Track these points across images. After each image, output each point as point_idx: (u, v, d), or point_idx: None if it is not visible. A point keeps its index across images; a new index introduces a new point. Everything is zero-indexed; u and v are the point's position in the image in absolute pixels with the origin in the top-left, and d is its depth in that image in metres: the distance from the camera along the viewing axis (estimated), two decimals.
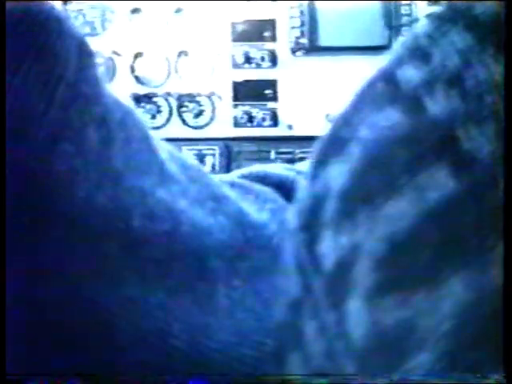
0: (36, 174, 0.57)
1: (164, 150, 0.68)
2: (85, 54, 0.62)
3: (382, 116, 0.35)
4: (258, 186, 0.76)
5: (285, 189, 0.76)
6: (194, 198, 0.67)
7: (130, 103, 0.69)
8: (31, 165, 0.57)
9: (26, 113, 0.56)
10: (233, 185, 0.75)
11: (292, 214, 0.40)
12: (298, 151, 2.63)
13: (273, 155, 2.68)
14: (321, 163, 0.38)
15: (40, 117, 0.56)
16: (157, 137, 0.70)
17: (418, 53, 0.36)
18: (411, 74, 0.35)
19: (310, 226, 0.38)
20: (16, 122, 0.55)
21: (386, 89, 0.36)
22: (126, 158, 0.61)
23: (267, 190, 0.75)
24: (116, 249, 0.61)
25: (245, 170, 0.96)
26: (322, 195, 0.37)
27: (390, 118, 0.35)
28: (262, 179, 0.78)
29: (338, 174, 0.36)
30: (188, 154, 2.74)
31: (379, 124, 0.35)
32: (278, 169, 0.90)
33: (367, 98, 0.37)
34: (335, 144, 0.38)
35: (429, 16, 0.37)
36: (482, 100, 0.32)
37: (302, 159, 2.59)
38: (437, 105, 0.33)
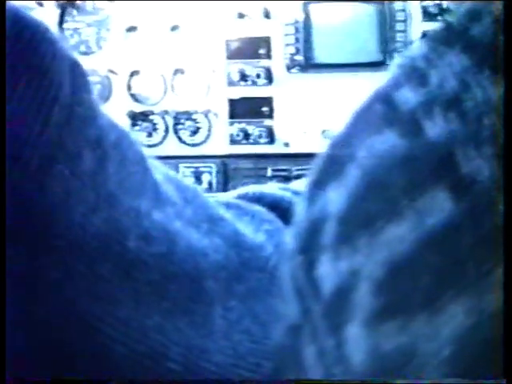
0: (31, 196, 0.57)
1: (159, 171, 0.68)
2: (79, 75, 0.62)
3: (379, 139, 0.35)
4: (253, 207, 0.75)
5: (281, 209, 0.76)
6: (190, 220, 0.67)
7: (124, 124, 0.68)
8: (26, 187, 0.57)
9: (20, 135, 0.56)
10: (228, 205, 0.74)
11: (289, 237, 0.40)
12: (294, 168, 2.63)
13: (269, 172, 2.68)
14: (318, 185, 0.38)
15: (35, 139, 0.56)
16: (152, 157, 0.69)
17: (415, 75, 0.36)
18: (408, 97, 0.35)
19: (308, 249, 0.38)
20: (10, 144, 0.55)
21: (383, 111, 0.36)
22: (120, 179, 0.61)
23: (263, 211, 0.75)
24: (111, 271, 0.60)
25: (241, 191, 0.96)
26: (320, 218, 0.37)
27: (388, 140, 0.34)
28: (258, 200, 0.78)
29: (336, 197, 0.36)
30: (184, 173, 2.74)
31: (377, 147, 0.35)
32: (273, 189, 0.89)
33: (365, 120, 0.37)
34: (333, 166, 0.38)
35: (425, 36, 0.37)
36: (480, 122, 0.32)
37: (298, 177, 2.59)
38: (435, 127, 0.33)
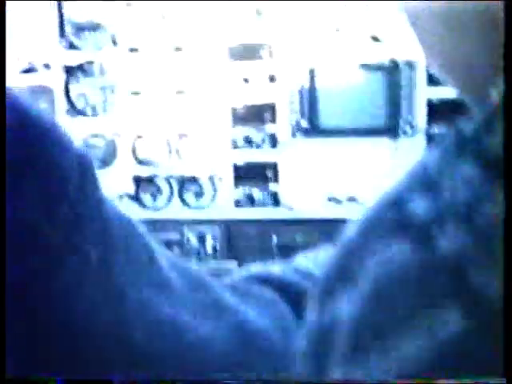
0: (36, 288, 0.56)
1: (164, 257, 0.68)
2: (86, 169, 0.61)
3: (390, 250, 0.34)
4: (259, 290, 0.74)
5: (287, 292, 0.76)
6: (196, 308, 0.67)
7: (128, 214, 0.67)
8: (31, 280, 0.57)
9: (26, 228, 0.55)
10: (234, 289, 0.73)
11: (299, 341, 0.39)
12: (299, 239, 2.63)
13: (275, 239, 2.68)
14: (328, 293, 0.37)
15: (41, 233, 0.56)
16: (156, 244, 0.69)
17: (427, 182, 0.35)
18: (421, 206, 0.34)
19: (319, 356, 0.37)
20: (16, 237, 0.54)
21: (394, 219, 0.35)
22: (127, 271, 0.61)
23: (269, 295, 0.74)
24: (119, 364, 0.60)
25: (247, 271, 0.96)
26: (330, 327, 0.36)
27: (400, 253, 0.34)
28: (265, 281, 0.77)
29: (346, 307, 0.35)
30: (188, 237, 2.73)
31: (388, 259, 0.34)
32: (280, 270, 0.89)
33: (375, 229, 0.36)
34: (343, 274, 0.37)
35: (436, 144, 0.37)
36: (491, 236, 0.32)
37: (304, 246, 2.59)
38: (446, 240, 0.32)
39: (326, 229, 2.65)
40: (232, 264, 2.47)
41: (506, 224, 0.31)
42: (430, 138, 2.57)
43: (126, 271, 0.61)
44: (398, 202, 0.36)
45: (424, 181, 0.35)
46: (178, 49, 2.62)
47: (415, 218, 0.34)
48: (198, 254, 2.75)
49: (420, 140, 2.57)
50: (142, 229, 0.68)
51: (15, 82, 2.73)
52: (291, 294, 0.74)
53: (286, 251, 2.67)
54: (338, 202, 2.64)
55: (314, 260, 1.49)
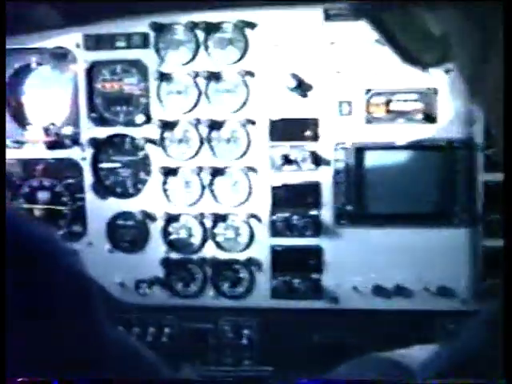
0: None
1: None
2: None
3: None
4: None
5: None
6: None
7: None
8: None
9: None
10: None
11: None
12: (344, 334, 2.43)
13: (316, 338, 2.47)
14: None
15: None
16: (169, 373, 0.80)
17: None
18: None
19: None
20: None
21: None
22: None
23: None
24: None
25: None
26: None
27: None
28: None
29: None
30: (223, 326, 2.53)
31: None
32: None
33: None
34: None
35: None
36: None
37: (351, 346, 2.38)
38: None
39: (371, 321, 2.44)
40: (267, 370, 2.24)
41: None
42: (489, 227, 2.35)
43: None
44: None
45: None
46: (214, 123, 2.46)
47: None
48: (233, 345, 2.54)
49: (477, 228, 2.36)
50: None
51: (44, 154, 2.58)
52: None
53: (328, 350, 2.45)
54: (384, 292, 2.42)
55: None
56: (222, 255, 2.52)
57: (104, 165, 2.57)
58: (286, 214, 2.46)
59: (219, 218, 2.51)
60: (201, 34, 2.44)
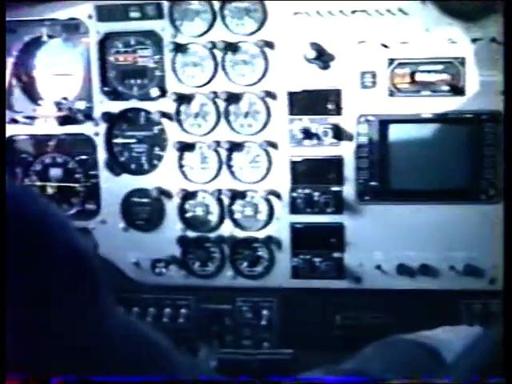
0: None
1: (184, 366, 0.78)
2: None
3: None
4: None
5: None
6: None
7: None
8: None
9: None
10: None
11: None
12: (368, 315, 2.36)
13: (338, 319, 2.40)
14: None
15: None
16: (176, 355, 0.80)
17: None
18: None
19: None
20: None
21: None
22: None
23: None
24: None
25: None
26: None
27: None
28: None
29: None
30: (241, 307, 2.46)
31: None
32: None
33: None
34: None
35: None
36: None
37: (372, 326, 2.30)
38: None
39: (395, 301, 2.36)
40: (288, 353, 2.16)
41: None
42: None
43: None
44: None
45: None
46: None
47: None
48: (252, 326, 2.46)
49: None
50: None
51: (56, 130, 2.51)
52: None
53: (351, 331, 2.38)
54: (409, 271, 2.33)
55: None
56: (241, 233, 2.44)
57: (118, 140, 2.49)
58: (307, 191, 2.37)
59: (237, 195, 2.42)
60: (216, 4, 2.35)
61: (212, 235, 2.45)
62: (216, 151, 2.40)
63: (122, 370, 0.69)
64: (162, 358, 0.79)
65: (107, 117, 2.45)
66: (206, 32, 2.36)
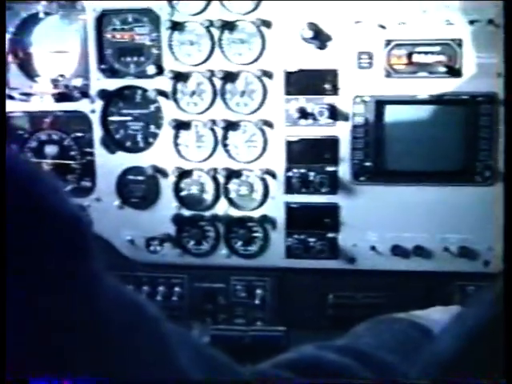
0: None
1: (175, 336, 0.73)
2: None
3: None
4: None
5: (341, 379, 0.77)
6: None
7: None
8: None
9: None
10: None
11: None
12: (360, 295, 2.36)
13: (331, 298, 2.40)
14: None
15: None
16: (167, 325, 0.76)
17: None
18: None
19: None
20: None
21: None
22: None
23: None
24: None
25: (295, 355, 1.02)
26: None
27: None
28: (315, 368, 0.81)
29: None
30: (235, 286, 2.46)
31: None
32: (332, 354, 0.91)
33: None
34: None
35: None
36: None
37: (365, 305, 2.31)
38: None
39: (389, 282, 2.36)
40: (280, 331, 2.17)
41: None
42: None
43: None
44: None
45: None
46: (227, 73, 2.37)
47: None
48: (245, 305, 2.47)
49: (500, 186, 2.27)
50: (153, 313, 0.74)
51: (52, 107, 2.50)
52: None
53: (343, 310, 2.38)
54: (403, 252, 2.34)
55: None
56: (236, 212, 2.44)
57: (114, 118, 2.49)
58: (302, 170, 2.37)
59: (233, 174, 2.42)
60: None
61: (207, 214, 2.45)
62: (212, 130, 2.40)
63: (111, 338, 0.68)
64: (152, 326, 0.78)
65: (103, 94, 2.45)
66: (203, 10, 2.36)
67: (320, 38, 2.29)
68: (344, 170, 2.35)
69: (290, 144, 2.36)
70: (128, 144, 2.49)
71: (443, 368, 0.82)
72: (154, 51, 2.42)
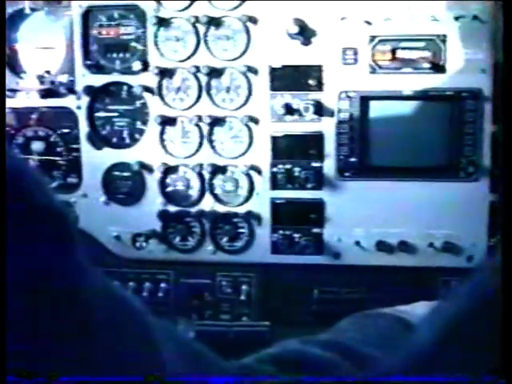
0: None
1: (161, 330, 0.75)
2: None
3: None
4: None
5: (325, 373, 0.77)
6: None
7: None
8: None
9: None
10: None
11: None
12: (345, 290, 2.37)
13: (316, 294, 2.41)
14: None
15: None
16: (152, 319, 0.77)
17: None
18: None
19: None
20: None
21: None
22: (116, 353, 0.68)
23: None
24: None
25: (279, 349, 1.02)
26: None
27: None
28: (299, 363, 0.81)
29: None
30: (221, 282, 2.46)
31: None
32: (316, 349, 0.92)
33: None
34: None
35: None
36: None
37: (349, 301, 2.32)
38: None
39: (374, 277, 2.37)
40: (265, 326, 2.17)
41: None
42: (495, 180, 2.27)
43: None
44: None
45: None
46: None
47: None
48: (231, 301, 2.47)
49: (484, 182, 2.28)
50: (137, 305, 0.75)
51: (38, 103, 2.50)
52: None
53: (328, 306, 2.39)
54: (388, 248, 2.35)
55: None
56: (221, 208, 2.45)
57: (100, 114, 2.49)
58: (288, 166, 2.38)
59: (218, 170, 2.43)
60: None
61: (192, 210, 2.46)
62: (198, 126, 2.41)
63: (96, 332, 0.69)
64: (138, 321, 0.78)
65: (89, 90, 2.45)
66: (188, 6, 2.36)
67: (305, 33, 2.30)
68: (329, 166, 2.35)
69: (275, 140, 2.37)
70: (114, 140, 2.50)
71: (422, 359, 0.83)
72: (140, 47, 2.42)
